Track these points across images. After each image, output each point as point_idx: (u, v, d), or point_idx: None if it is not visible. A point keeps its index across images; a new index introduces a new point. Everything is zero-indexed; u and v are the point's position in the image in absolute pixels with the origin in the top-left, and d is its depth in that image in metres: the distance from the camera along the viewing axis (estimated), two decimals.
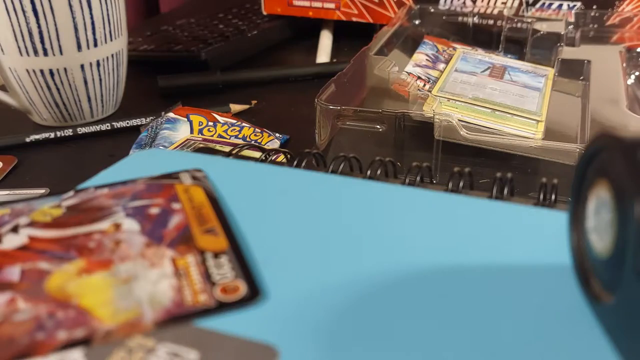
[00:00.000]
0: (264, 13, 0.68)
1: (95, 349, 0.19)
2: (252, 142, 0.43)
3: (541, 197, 0.27)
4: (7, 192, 0.40)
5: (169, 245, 0.24)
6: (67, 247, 0.24)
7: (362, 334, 0.19)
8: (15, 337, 0.19)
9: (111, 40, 0.48)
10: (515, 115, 0.40)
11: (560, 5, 0.58)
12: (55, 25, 0.45)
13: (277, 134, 0.45)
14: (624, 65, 0.46)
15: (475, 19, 0.56)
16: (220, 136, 0.44)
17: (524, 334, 0.19)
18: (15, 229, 0.25)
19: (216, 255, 0.23)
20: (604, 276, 0.19)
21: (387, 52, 0.48)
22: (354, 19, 0.65)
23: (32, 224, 0.25)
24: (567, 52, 0.49)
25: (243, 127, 0.45)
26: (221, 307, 0.21)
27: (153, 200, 0.27)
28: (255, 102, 0.52)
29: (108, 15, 0.48)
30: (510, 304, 0.20)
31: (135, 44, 0.63)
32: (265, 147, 0.39)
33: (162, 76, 0.55)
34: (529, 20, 0.54)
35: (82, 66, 0.47)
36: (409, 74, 0.45)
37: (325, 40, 0.65)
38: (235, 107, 0.51)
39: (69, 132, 0.48)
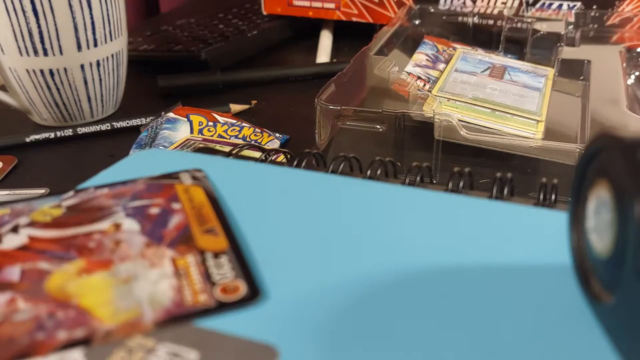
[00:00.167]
0: (264, 13, 0.68)
1: (95, 349, 0.19)
2: (252, 142, 0.43)
3: (541, 197, 0.27)
4: (7, 192, 0.40)
5: (169, 245, 0.24)
6: (67, 247, 0.24)
7: (362, 334, 0.19)
8: (15, 337, 0.19)
9: (111, 40, 0.48)
10: (515, 115, 0.40)
11: (560, 5, 0.58)
12: (55, 25, 0.45)
13: (277, 134, 0.45)
14: (624, 65, 0.46)
15: (475, 19, 0.56)
16: (220, 136, 0.44)
17: (524, 334, 0.19)
18: (15, 229, 0.25)
19: (216, 255, 0.23)
20: (604, 276, 0.19)
21: (387, 52, 0.48)
22: (354, 19, 0.65)
23: (32, 224, 0.25)
24: (567, 52, 0.49)
25: (243, 127, 0.45)
26: (221, 307, 0.21)
27: (153, 200, 0.27)
28: (255, 102, 0.52)
29: (108, 15, 0.48)
30: (510, 304, 0.20)
31: (135, 44, 0.63)
32: (265, 147, 0.39)
33: (162, 76, 0.55)
34: (529, 20, 0.54)
35: (82, 66, 0.47)
36: (409, 74, 0.45)
37: (325, 40, 0.65)
38: (235, 107, 0.51)
39: (69, 132, 0.48)
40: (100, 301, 0.21)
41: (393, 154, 0.38)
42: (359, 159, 0.31)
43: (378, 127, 0.38)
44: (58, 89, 0.48)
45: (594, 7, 0.57)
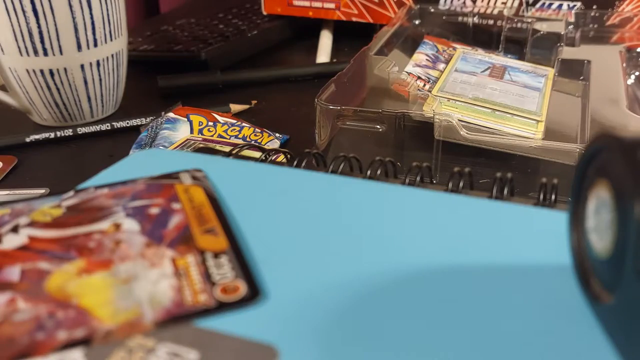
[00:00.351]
0: (264, 13, 0.68)
1: (95, 349, 0.19)
2: (252, 142, 0.43)
3: (541, 197, 0.27)
4: (7, 192, 0.40)
5: (169, 245, 0.24)
6: (67, 247, 0.24)
7: (362, 334, 0.19)
8: (15, 337, 0.19)
9: (111, 40, 0.48)
10: (515, 115, 0.40)
11: (560, 5, 0.58)
12: (55, 25, 0.45)
13: (277, 134, 0.45)
14: (624, 65, 0.46)
15: (475, 19, 0.56)
16: (220, 136, 0.44)
17: (524, 334, 0.19)
18: (15, 229, 0.25)
19: (216, 255, 0.23)
20: (604, 276, 0.19)
21: (387, 52, 0.48)
22: (354, 19, 0.65)
23: (32, 224, 0.25)
24: (567, 52, 0.49)
25: (243, 127, 0.45)
26: (221, 307, 0.21)
27: (153, 200, 0.27)
28: (255, 102, 0.52)
29: (108, 15, 0.48)
30: (510, 304, 0.20)
31: (135, 44, 0.63)
32: (265, 147, 0.39)
33: (162, 76, 0.55)
34: (529, 20, 0.54)
35: (82, 66, 0.47)
36: (409, 74, 0.45)
37: (325, 40, 0.65)
38: (235, 107, 0.51)
39: (69, 132, 0.48)
40: (100, 301, 0.21)
41: (393, 154, 0.38)
42: (359, 159, 0.31)
43: (378, 127, 0.38)
44: (58, 89, 0.48)
45: (594, 7, 0.57)
